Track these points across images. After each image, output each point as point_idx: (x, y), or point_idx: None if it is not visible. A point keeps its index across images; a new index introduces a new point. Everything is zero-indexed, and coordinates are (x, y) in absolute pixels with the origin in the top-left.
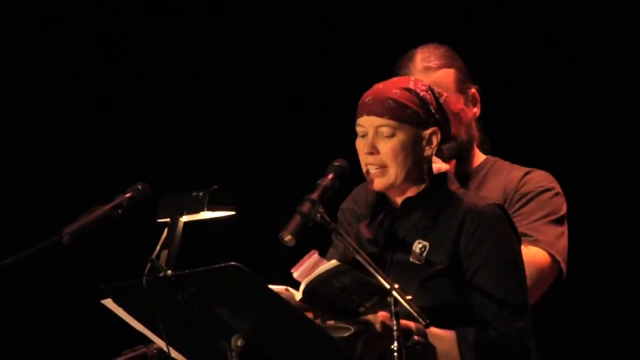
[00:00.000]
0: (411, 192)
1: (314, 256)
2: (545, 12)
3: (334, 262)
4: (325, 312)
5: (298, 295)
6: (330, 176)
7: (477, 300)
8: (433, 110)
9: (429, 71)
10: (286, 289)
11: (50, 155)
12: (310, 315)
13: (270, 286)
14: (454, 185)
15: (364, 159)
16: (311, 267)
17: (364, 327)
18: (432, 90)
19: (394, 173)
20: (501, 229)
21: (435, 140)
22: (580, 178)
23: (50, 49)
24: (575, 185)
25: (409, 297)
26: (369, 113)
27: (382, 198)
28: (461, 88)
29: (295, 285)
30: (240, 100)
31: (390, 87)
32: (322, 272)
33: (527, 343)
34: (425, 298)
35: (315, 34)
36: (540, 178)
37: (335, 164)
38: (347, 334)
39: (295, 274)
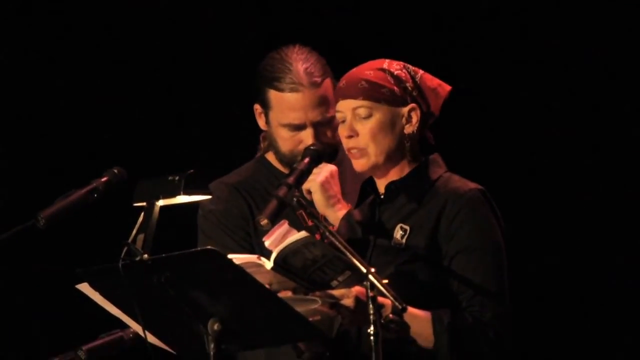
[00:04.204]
0: (395, 175)
1: (284, 226)
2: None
3: (303, 233)
4: (298, 282)
5: (269, 264)
6: (306, 160)
7: (455, 285)
8: (410, 88)
9: (315, 86)
10: (258, 257)
11: (26, 140)
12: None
13: (243, 255)
14: (441, 169)
15: (345, 143)
16: (282, 237)
17: (336, 300)
18: (407, 68)
19: (373, 153)
20: (482, 214)
21: (415, 117)
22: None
23: (23, 36)
24: (513, 191)
25: (385, 281)
26: (344, 97)
27: (369, 181)
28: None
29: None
30: (217, 83)
31: (364, 69)
32: (291, 242)
33: (503, 329)
34: (402, 281)
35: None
36: None
37: (312, 147)
38: (314, 306)
39: (267, 242)
